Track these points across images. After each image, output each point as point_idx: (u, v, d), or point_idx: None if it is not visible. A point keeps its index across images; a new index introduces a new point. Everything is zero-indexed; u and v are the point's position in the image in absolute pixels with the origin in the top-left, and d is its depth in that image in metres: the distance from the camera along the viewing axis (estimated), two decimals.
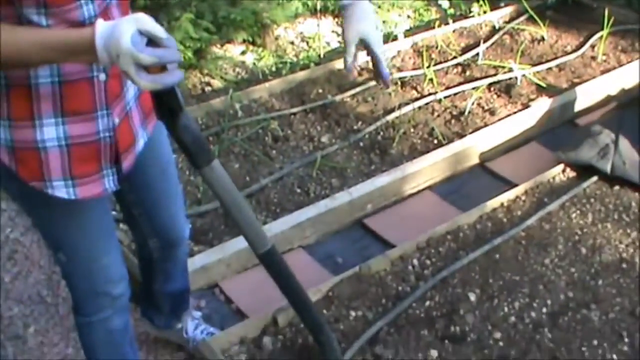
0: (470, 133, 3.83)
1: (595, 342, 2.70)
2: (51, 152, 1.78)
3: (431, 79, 4.24)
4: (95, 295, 2.09)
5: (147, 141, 2.03)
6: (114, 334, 2.19)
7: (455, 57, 4.50)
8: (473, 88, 4.18)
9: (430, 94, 4.16)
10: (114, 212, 3.22)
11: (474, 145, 3.78)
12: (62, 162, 1.80)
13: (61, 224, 1.96)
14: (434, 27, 4.82)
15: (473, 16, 5.03)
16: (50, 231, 2.01)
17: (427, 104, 4.09)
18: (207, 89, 4.45)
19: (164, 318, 2.74)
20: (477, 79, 4.28)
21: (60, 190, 1.83)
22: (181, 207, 2.40)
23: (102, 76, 1.77)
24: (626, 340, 2.71)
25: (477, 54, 4.49)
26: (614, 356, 2.65)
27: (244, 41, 4.79)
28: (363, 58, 2.04)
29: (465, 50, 4.61)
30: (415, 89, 4.23)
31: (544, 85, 4.22)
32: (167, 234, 2.37)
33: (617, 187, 3.49)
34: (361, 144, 3.83)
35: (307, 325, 2.36)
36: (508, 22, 4.96)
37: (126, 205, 2.28)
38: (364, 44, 1.95)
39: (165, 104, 1.70)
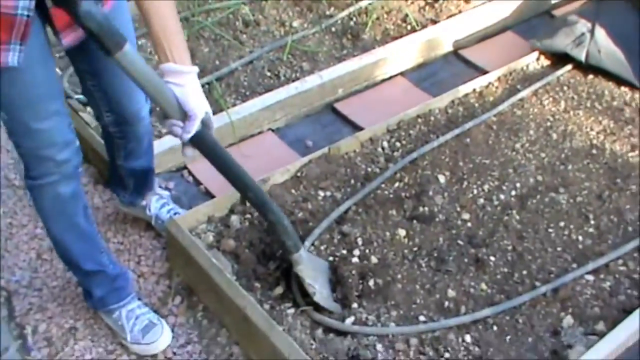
0: (445, 20, 3.76)
1: (562, 224, 2.72)
2: None
3: None
4: (39, 158, 2.06)
5: None
6: (62, 201, 2.17)
7: None
8: None
9: None
10: (82, 95, 3.20)
11: (448, 33, 3.71)
12: None
13: None
14: None
15: None
16: None
17: None
18: None
19: (129, 195, 2.74)
20: None
21: None
22: (141, 113, 2.37)
23: None
24: (592, 222, 2.73)
25: None
26: (579, 237, 2.67)
27: None
28: None
29: None
30: None
31: None
32: (122, 109, 2.33)
33: (591, 76, 3.47)
34: (333, 29, 3.75)
35: (254, 206, 2.35)
36: None
37: (82, 76, 2.26)
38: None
39: None
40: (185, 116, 1.95)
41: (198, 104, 1.95)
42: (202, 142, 2.05)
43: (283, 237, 2.31)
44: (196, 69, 1.97)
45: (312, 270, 2.39)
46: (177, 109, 1.95)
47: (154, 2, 1.88)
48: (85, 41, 1.99)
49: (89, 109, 3.19)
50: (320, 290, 2.37)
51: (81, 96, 3.21)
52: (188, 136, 1.97)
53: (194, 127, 1.96)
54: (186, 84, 1.93)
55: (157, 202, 2.77)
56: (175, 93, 1.92)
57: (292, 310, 2.38)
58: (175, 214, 2.75)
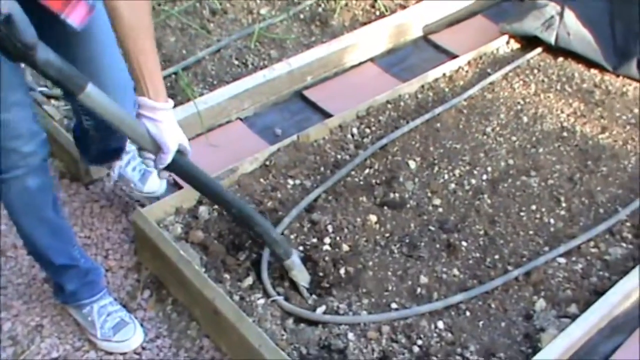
0: (414, 4, 3.74)
1: (533, 207, 2.70)
2: None
3: None
4: (4, 151, 2.01)
5: None
6: (30, 194, 2.12)
7: None
8: None
9: None
10: (45, 88, 3.14)
11: (418, 18, 3.68)
12: None
13: None
14: None
15: None
16: None
17: None
18: None
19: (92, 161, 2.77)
20: None
21: None
22: (119, 89, 2.25)
23: None
24: (563, 205, 2.72)
25: None
26: (551, 220, 2.66)
27: None
28: None
29: None
30: None
31: None
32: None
33: (560, 59, 3.47)
34: (301, 16, 3.71)
35: (239, 221, 2.41)
36: None
37: None
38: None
39: (10, 48, 1.64)
40: (158, 148, 1.99)
41: (171, 139, 1.99)
42: (176, 169, 2.10)
43: (273, 247, 2.34)
44: (171, 105, 2.00)
45: (302, 273, 2.40)
46: (149, 140, 1.98)
47: (134, 38, 1.87)
48: (66, 52, 1.92)
49: (53, 101, 3.14)
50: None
51: (44, 88, 3.15)
52: (161, 167, 2.03)
53: (167, 160, 2.01)
54: (160, 119, 1.96)
55: (117, 167, 2.76)
56: (148, 127, 1.96)
57: (262, 301, 2.34)
58: (141, 171, 2.75)
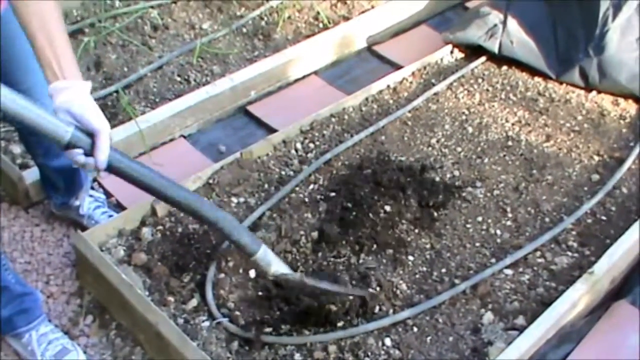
0: (357, 16, 3.73)
1: (479, 219, 2.70)
2: None
3: None
4: None
5: None
6: None
7: None
8: None
9: None
10: None
11: (361, 29, 3.67)
12: None
13: None
14: None
15: None
16: None
17: None
18: None
19: (60, 196, 2.71)
20: None
21: None
22: (37, 83, 2.13)
23: None
24: (509, 215, 2.71)
25: None
26: (497, 231, 2.65)
27: None
28: None
29: None
30: None
31: None
32: None
33: (505, 67, 3.48)
34: (244, 30, 3.68)
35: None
36: None
37: None
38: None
39: None
40: (90, 137, 1.66)
41: (102, 117, 1.69)
42: (116, 165, 1.73)
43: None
44: (89, 85, 1.74)
45: (278, 263, 2.22)
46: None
47: (37, 10, 1.69)
48: None
49: None
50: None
51: None
52: (105, 157, 1.67)
53: (108, 144, 1.67)
54: (84, 100, 1.68)
55: (91, 204, 2.74)
56: (73, 112, 1.64)
57: (207, 324, 2.30)
58: (109, 216, 2.72)
